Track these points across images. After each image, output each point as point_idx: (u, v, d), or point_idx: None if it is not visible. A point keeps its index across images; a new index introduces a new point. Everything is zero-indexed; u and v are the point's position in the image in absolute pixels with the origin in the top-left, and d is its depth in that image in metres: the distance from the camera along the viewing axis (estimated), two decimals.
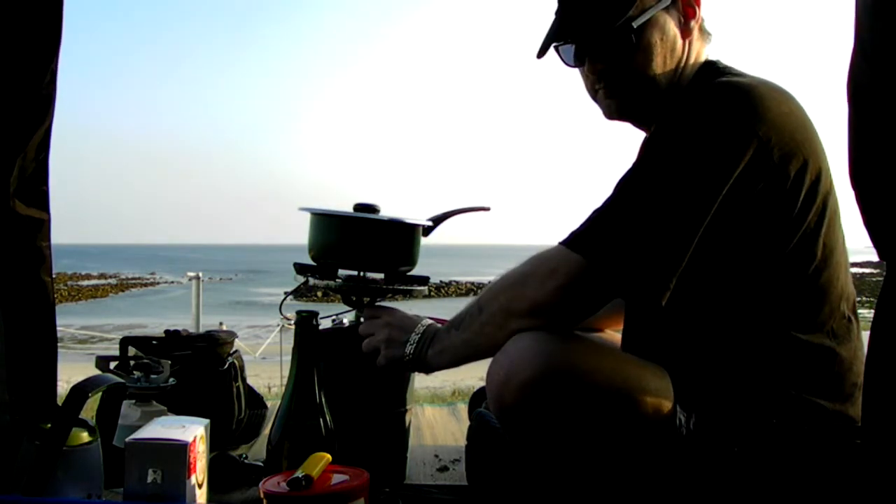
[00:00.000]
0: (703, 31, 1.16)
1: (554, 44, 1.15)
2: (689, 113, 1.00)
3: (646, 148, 1.05)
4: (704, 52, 1.18)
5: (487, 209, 1.55)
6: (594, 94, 1.17)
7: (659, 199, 0.97)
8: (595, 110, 1.21)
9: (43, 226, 1.20)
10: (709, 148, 0.96)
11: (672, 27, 1.11)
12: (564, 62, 1.17)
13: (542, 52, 1.16)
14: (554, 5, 1.18)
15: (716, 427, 1.01)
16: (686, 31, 1.12)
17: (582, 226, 1.01)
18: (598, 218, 1.00)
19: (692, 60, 1.15)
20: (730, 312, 1.05)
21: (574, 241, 1.00)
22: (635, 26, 1.07)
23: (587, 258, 0.97)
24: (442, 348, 1.12)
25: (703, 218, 0.96)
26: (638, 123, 1.21)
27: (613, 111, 1.17)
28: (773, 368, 1.03)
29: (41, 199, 1.20)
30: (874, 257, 0.81)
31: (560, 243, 1.01)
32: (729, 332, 1.05)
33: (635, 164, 1.03)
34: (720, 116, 0.98)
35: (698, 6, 1.13)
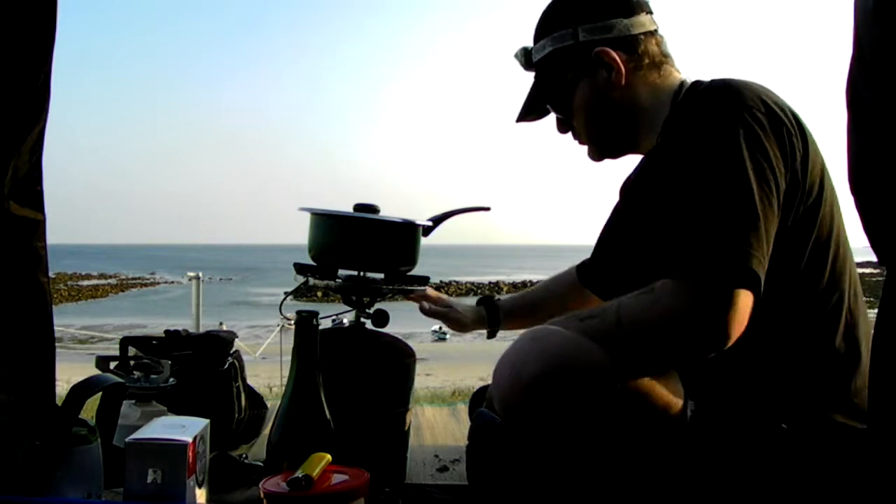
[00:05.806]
0: (650, 65, 1.20)
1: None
2: (700, 113, 1.02)
3: (674, 164, 1.03)
4: (670, 75, 1.21)
5: (487, 209, 1.55)
6: (581, 143, 1.31)
7: (725, 195, 0.94)
8: None
9: (38, 226, 1.20)
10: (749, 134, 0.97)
11: (595, 86, 1.20)
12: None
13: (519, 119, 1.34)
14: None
15: (725, 431, 1.01)
16: (615, 82, 1.19)
17: (675, 254, 0.95)
18: (684, 242, 0.95)
19: (645, 92, 1.19)
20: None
21: (676, 269, 0.93)
22: (560, 98, 1.25)
23: (691, 278, 0.91)
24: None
25: (776, 190, 0.97)
26: (631, 153, 1.28)
27: (594, 156, 1.30)
28: (786, 367, 1.03)
29: (36, 199, 1.20)
30: (874, 257, 0.81)
31: (664, 280, 0.94)
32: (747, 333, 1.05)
33: (680, 184, 0.99)
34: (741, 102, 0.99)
35: (614, 62, 1.18)
